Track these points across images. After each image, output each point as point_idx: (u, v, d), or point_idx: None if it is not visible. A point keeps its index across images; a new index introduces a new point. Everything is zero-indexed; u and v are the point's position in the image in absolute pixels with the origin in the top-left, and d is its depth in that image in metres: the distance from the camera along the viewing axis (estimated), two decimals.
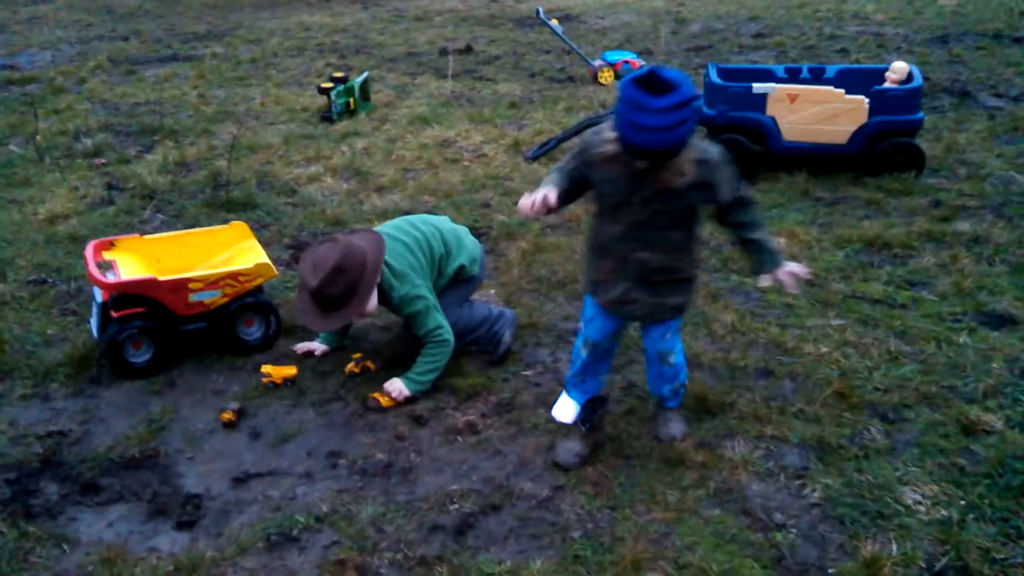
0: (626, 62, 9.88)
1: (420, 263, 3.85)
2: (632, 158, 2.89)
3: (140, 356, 3.99)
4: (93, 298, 4.20)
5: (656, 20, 13.86)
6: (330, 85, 8.34)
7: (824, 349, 4.09)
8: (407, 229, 3.94)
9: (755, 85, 6.19)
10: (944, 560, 2.85)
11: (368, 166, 6.90)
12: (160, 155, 7.19)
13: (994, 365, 3.94)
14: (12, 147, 7.50)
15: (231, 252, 4.43)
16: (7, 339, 4.29)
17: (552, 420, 3.62)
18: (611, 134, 2.95)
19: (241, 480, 3.34)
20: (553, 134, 7.36)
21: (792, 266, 3.11)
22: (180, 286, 3.99)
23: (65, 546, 3.01)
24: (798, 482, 3.25)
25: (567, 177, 3.21)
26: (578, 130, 7.00)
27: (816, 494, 3.18)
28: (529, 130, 7.80)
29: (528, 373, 4.01)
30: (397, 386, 3.76)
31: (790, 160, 6.32)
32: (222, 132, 7.89)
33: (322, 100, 8.60)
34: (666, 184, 2.95)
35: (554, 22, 10.28)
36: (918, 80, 6.21)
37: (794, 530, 3.02)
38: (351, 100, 8.40)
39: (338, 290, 3.59)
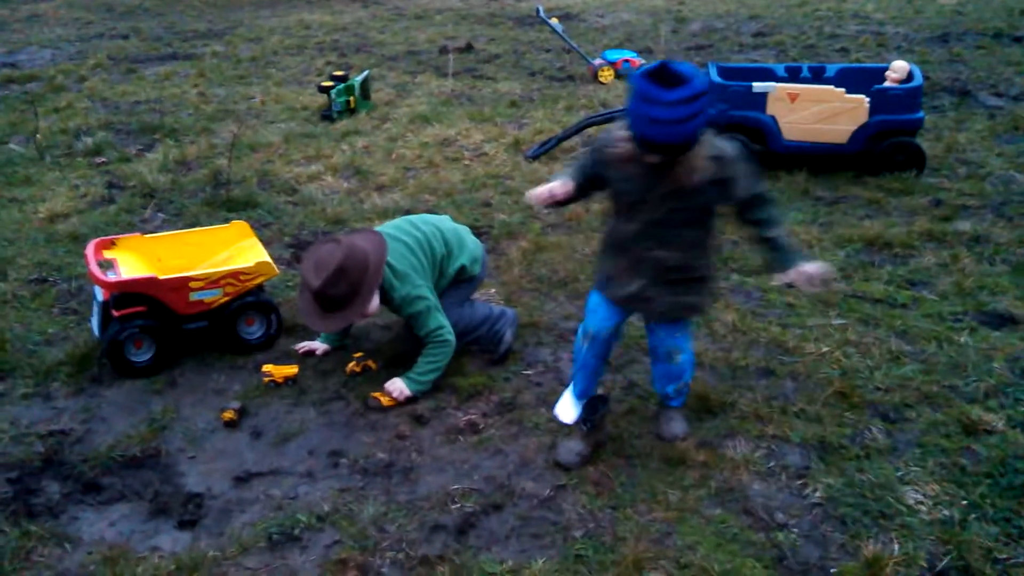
0: (626, 61, 9.88)
1: (421, 263, 3.84)
2: (645, 152, 2.88)
3: (141, 355, 3.99)
4: (94, 297, 4.20)
5: (656, 19, 13.86)
6: (330, 84, 8.34)
7: (825, 349, 4.09)
8: (408, 229, 3.94)
9: (755, 84, 6.19)
10: (946, 560, 2.85)
11: (368, 165, 6.90)
12: (160, 154, 7.19)
13: (995, 365, 3.94)
14: (12, 146, 7.50)
15: (232, 251, 4.43)
16: (8, 338, 4.28)
17: (554, 419, 3.63)
18: (623, 132, 2.95)
19: (243, 479, 3.34)
20: (553, 133, 7.37)
21: (808, 266, 3.05)
22: (181, 285, 3.99)
23: (67, 545, 3.01)
24: (799, 482, 3.25)
25: (581, 174, 3.21)
26: (578, 129, 7.00)
27: (817, 494, 3.18)
28: (529, 129, 7.80)
29: (529, 372, 4.01)
30: (398, 386, 3.76)
31: (790, 159, 6.32)
32: (222, 131, 7.89)
33: (322, 99, 8.60)
34: (682, 182, 2.95)
35: (554, 21, 10.28)
36: (918, 79, 6.21)
37: (795, 530, 3.02)
38: (351, 99, 8.40)
39: (340, 291, 3.59)
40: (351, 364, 4.01)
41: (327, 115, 8.28)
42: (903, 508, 3.08)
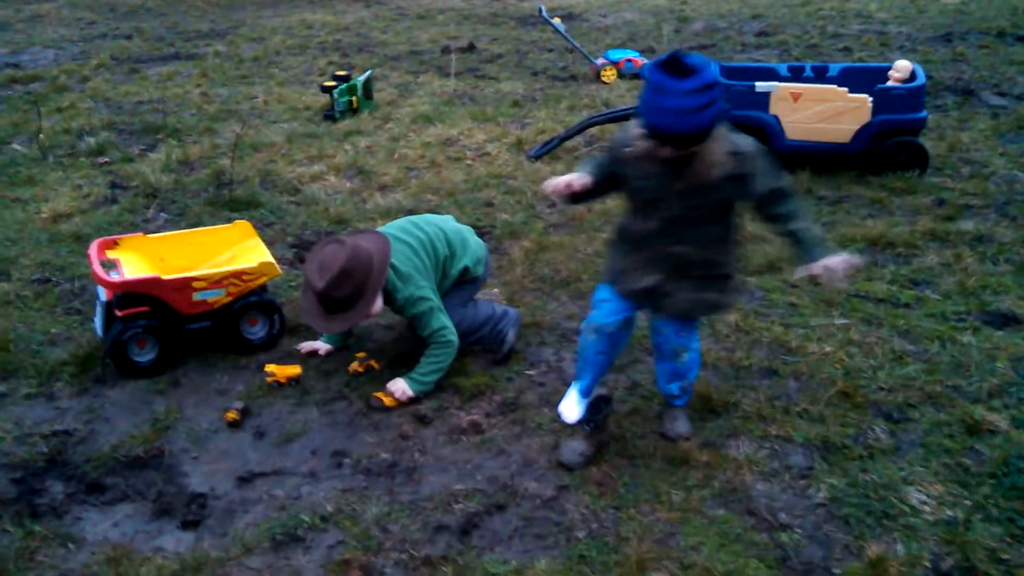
0: (629, 60, 9.87)
1: (424, 264, 3.84)
2: (659, 145, 2.88)
3: (144, 355, 4.00)
4: (97, 297, 4.20)
5: (659, 18, 13.85)
6: (333, 84, 8.34)
7: (828, 348, 4.09)
8: (411, 230, 3.94)
9: (758, 84, 6.18)
10: (950, 560, 2.85)
11: (371, 165, 6.90)
12: (163, 154, 7.19)
13: (998, 364, 3.93)
14: (15, 146, 7.51)
15: (235, 251, 4.43)
16: (11, 338, 4.29)
17: (557, 419, 3.62)
18: (639, 130, 2.94)
19: (246, 479, 3.35)
20: (556, 133, 7.36)
21: (831, 260, 2.97)
22: (184, 285, 3.99)
23: (71, 545, 3.02)
24: (803, 482, 3.25)
25: (598, 171, 3.19)
26: (581, 129, 7.00)
27: (821, 494, 3.17)
28: (532, 129, 7.80)
29: (532, 372, 4.01)
30: (400, 386, 3.76)
31: (793, 159, 6.31)
32: (225, 131, 7.89)
33: (325, 99, 8.60)
34: (699, 178, 2.94)
35: (556, 20, 10.27)
36: (921, 79, 6.21)
37: (799, 530, 3.02)
38: (354, 99, 8.40)
39: (344, 292, 3.59)
40: (354, 364, 4.01)
41: (330, 115, 8.28)
42: (907, 508, 3.08)
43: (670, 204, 3.06)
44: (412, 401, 3.77)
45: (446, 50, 11.55)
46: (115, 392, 3.92)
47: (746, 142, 3.02)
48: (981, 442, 3.42)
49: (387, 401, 3.74)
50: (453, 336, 3.82)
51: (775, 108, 6.18)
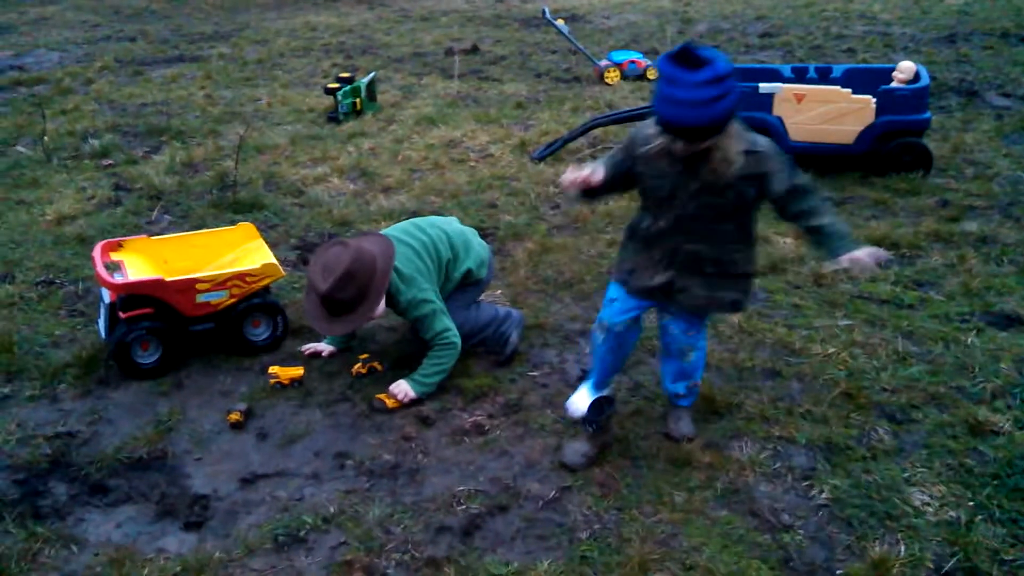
0: (632, 62, 9.87)
1: (427, 267, 3.84)
2: (671, 139, 2.87)
3: (148, 357, 4.00)
4: (101, 299, 4.21)
5: (662, 20, 13.85)
6: (336, 86, 8.36)
7: (831, 350, 4.08)
8: (414, 232, 3.94)
9: (761, 85, 6.18)
10: (952, 561, 2.84)
11: (375, 167, 6.91)
12: (167, 156, 7.21)
13: (1002, 365, 3.92)
14: (20, 148, 7.53)
15: (238, 253, 4.43)
16: (15, 340, 4.29)
17: (560, 420, 3.63)
18: (655, 128, 2.93)
19: (248, 481, 3.35)
20: (559, 134, 7.36)
21: (858, 253, 2.92)
22: (187, 287, 4.00)
23: (73, 547, 3.02)
24: (805, 483, 3.24)
25: (612, 167, 3.17)
26: (584, 130, 7.00)
27: (824, 495, 3.17)
28: (535, 130, 7.80)
29: (535, 374, 4.01)
30: (403, 388, 3.76)
31: (797, 160, 6.22)
32: (229, 133, 7.91)
33: (328, 101, 8.62)
34: (714, 176, 2.93)
35: (560, 22, 10.29)
36: (925, 80, 6.20)
37: (802, 531, 3.01)
38: (357, 100, 8.41)
39: (348, 295, 3.59)
40: (357, 366, 4.01)
41: (333, 117, 8.29)
42: (909, 509, 3.08)
43: (684, 202, 3.05)
44: (415, 402, 3.77)
45: (450, 52, 11.56)
46: (118, 394, 3.92)
47: (762, 141, 3.00)
48: (984, 443, 3.41)
49: (389, 403, 3.75)
50: (456, 338, 3.82)
51: (779, 109, 6.17)
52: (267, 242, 4.53)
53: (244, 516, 3.16)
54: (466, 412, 3.73)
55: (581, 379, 3.95)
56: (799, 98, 6.14)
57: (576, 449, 3.38)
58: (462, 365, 3.97)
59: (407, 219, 4.27)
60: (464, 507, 3.16)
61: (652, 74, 9.86)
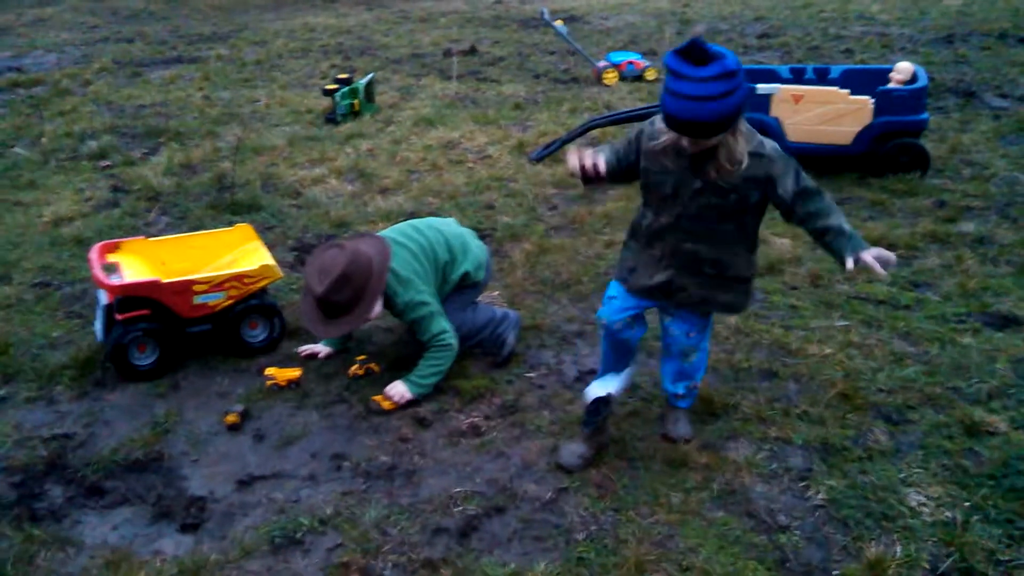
0: (630, 63, 9.89)
1: (424, 269, 3.85)
2: (676, 135, 2.86)
3: (145, 359, 4.00)
4: (98, 300, 4.21)
5: (661, 21, 13.86)
6: (335, 87, 8.36)
7: (828, 350, 4.08)
8: (412, 234, 3.94)
9: (759, 86, 6.18)
10: (948, 562, 2.84)
11: (372, 168, 6.91)
12: (165, 157, 7.21)
13: (998, 366, 3.93)
14: (17, 149, 7.53)
15: (235, 254, 4.43)
16: (12, 342, 4.30)
17: (556, 422, 3.63)
18: (663, 124, 2.92)
19: (245, 483, 3.34)
20: (557, 135, 7.36)
21: (866, 255, 2.86)
22: (184, 288, 4.00)
23: (70, 549, 3.02)
24: (802, 484, 3.24)
25: (617, 159, 3.16)
26: (583, 131, 7.00)
27: (820, 496, 3.17)
28: (533, 131, 7.81)
29: (532, 375, 4.01)
30: (399, 389, 3.76)
31: None
32: (227, 134, 7.91)
33: (327, 102, 8.62)
34: (719, 176, 2.92)
35: (558, 23, 10.29)
36: (923, 80, 6.21)
37: (798, 532, 3.01)
38: (356, 102, 8.42)
39: (344, 297, 3.59)
40: (354, 367, 4.01)
41: (331, 118, 8.29)
42: (905, 510, 3.08)
43: (686, 201, 3.04)
44: (411, 404, 3.77)
45: (448, 53, 11.57)
46: (115, 395, 3.92)
47: (770, 145, 2.99)
48: (980, 444, 3.41)
49: (386, 404, 3.75)
50: (453, 340, 3.83)
51: (776, 110, 6.18)
52: (265, 243, 4.53)
53: (241, 518, 3.16)
54: (463, 413, 3.73)
55: (578, 380, 3.96)
56: (797, 99, 6.14)
57: (573, 450, 3.38)
58: (459, 366, 3.97)
59: (405, 220, 4.27)
60: (461, 508, 3.16)
61: (650, 75, 9.86)
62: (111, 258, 4.22)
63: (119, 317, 3.94)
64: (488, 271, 4.18)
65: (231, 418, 3.68)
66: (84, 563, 2.95)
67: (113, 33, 14.01)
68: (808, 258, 4.99)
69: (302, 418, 3.74)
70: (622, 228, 5.48)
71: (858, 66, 7.16)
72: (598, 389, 3.47)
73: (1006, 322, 4.31)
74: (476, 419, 3.68)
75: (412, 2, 17.47)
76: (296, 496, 3.26)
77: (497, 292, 4.77)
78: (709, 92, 2.70)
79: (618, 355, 3.48)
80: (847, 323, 4.34)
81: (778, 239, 5.25)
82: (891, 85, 6.35)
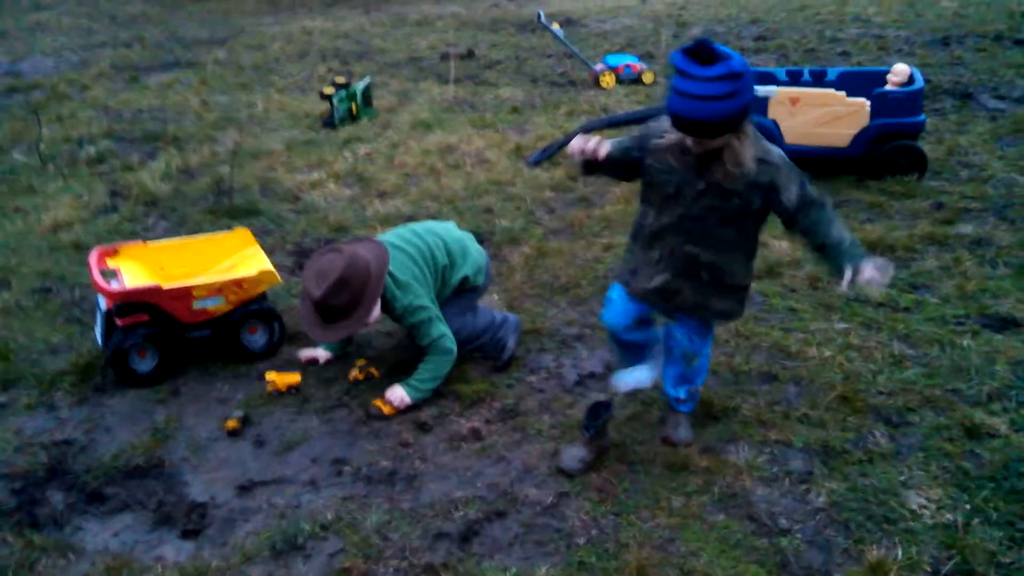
0: (628, 66, 9.89)
1: (423, 273, 3.85)
2: (679, 133, 2.86)
3: (144, 364, 4.00)
4: (97, 306, 4.21)
5: (657, 24, 13.87)
6: (332, 91, 8.36)
7: (828, 353, 4.09)
8: (410, 238, 3.94)
9: (756, 88, 6.18)
10: (949, 564, 2.84)
11: (370, 172, 6.91)
12: (163, 162, 7.20)
13: (998, 368, 3.93)
14: (15, 155, 7.52)
15: (234, 259, 4.44)
16: (12, 348, 4.29)
17: (556, 426, 3.63)
18: (669, 123, 2.93)
19: (246, 488, 3.34)
20: (555, 139, 7.37)
21: (865, 270, 2.86)
22: (184, 293, 4.00)
23: (71, 555, 3.01)
24: (803, 487, 3.25)
25: (620, 152, 3.13)
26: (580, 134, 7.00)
27: (821, 499, 3.17)
28: (531, 135, 7.81)
29: (532, 379, 4.01)
30: (398, 394, 3.76)
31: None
32: (225, 138, 7.91)
33: (324, 106, 8.62)
34: (722, 178, 2.92)
35: (555, 26, 10.30)
36: (919, 82, 6.21)
37: (799, 535, 3.01)
38: (353, 106, 8.42)
39: (341, 301, 3.59)
40: (354, 372, 4.01)
41: (329, 122, 8.29)
42: (906, 512, 3.08)
43: (688, 202, 3.04)
44: (412, 408, 3.77)
45: (445, 57, 11.58)
46: (115, 401, 3.92)
47: (777, 153, 2.98)
48: (980, 446, 3.41)
49: (386, 409, 3.75)
50: (452, 344, 3.83)
51: (773, 112, 6.19)
52: (263, 248, 4.53)
53: (242, 524, 3.16)
54: (463, 418, 3.74)
55: (578, 383, 3.96)
56: (794, 101, 6.15)
57: (573, 454, 3.38)
58: (459, 371, 3.97)
59: (403, 224, 4.27)
60: (462, 513, 3.16)
61: (647, 78, 9.87)
62: (110, 263, 4.22)
63: (119, 323, 3.94)
64: (487, 275, 4.18)
65: (231, 423, 3.68)
66: (85, 569, 2.95)
67: (111, 38, 14.01)
68: (807, 261, 4.99)
69: (302, 423, 3.74)
70: (621, 231, 5.51)
71: (855, 68, 7.17)
72: (628, 380, 3.54)
73: (1005, 324, 4.31)
74: (476, 423, 3.68)
75: (409, 6, 17.48)
76: (297, 501, 3.26)
77: (496, 296, 4.77)
78: (714, 92, 2.70)
79: (628, 352, 3.52)
80: (846, 326, 4.35)
81: (777, 242, 5.25)
82: (888, 87, 6.36)
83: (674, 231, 3.12)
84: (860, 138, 6.13)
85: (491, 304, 4.62)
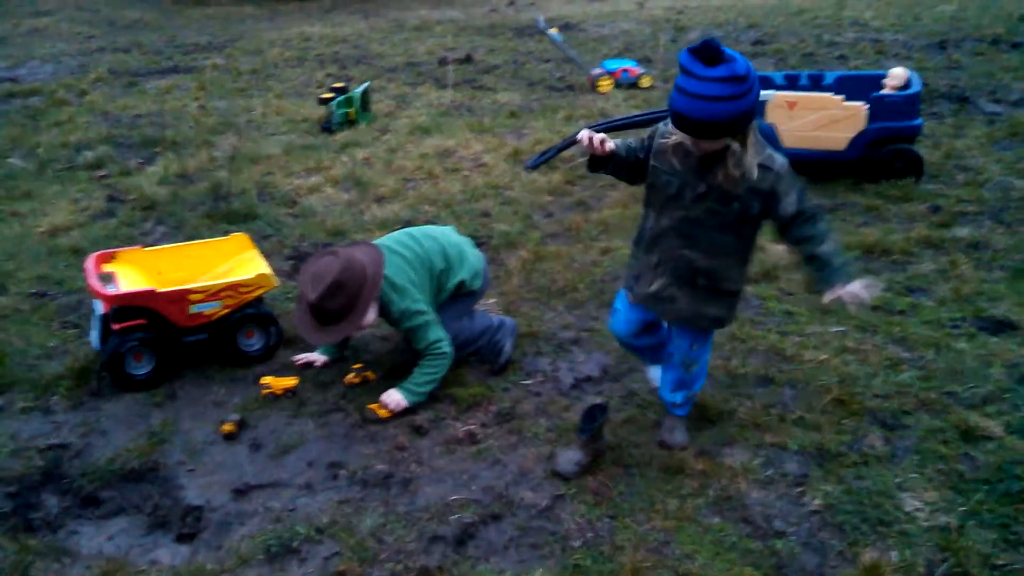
0: (625, 70, 9.90)
1: (420, 277, 3.85)
2: (678, 131, 2.87)
3: (141, 368, 4.00)
4: (94, 310, 4.21)
5: (655, 28, 13.90)
6: (330, 95, 8.38)
7: (823, 356, 4.09)
8: (407, 243, 3.95)
9: None
10: (944, 566, 2.84)
11: (368, 176, 6.92)
12: (161, 167, 7.21)
13: (993, 371, 3.93)
14: (13, 160, 7.53)
15: (232, 263, 4.44)
16: (8, 352, 4.29)
17: (552, 429, 3.64)
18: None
19: (242, 492, 3.34)
20: (553, 143, 7.38)
21: (851, 287, 2.92)
22: (180, 298, 4.00)
23: (66, 559, 3.01)
24: (798, 489, 3.25)
25: (626, 149, 3.13)
26: (577, 139, 7.01)
27: (816, 501, 3.17)
28: (529, 139, 7.82)
29: (528, 382, 4.02)
30: (394, 397, 3.76)
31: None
32: (223, 143, 7.92)
33: (322, 110, 8.63)
34: (723, 182, 2.93)
35: (553, 31, 10.32)
36: (916, 86, 6.22)
37: (794, 538, 3.01)
38: (351, 110, 8.43)
39: (336, 304, 3.59)
40: (350, 375, 4.01)
41: (327, 127, 8.30)
42: (901, 515, 3.08)
43: (689, 204, 3.05)
44: (408, 412, 3.77)
45: (443, 61, 11.60)
46: (111, 405, 3.92)
47: (779, 160, 2.99)
48: (975, 448, 3.42)
49: (382, 413, 3.75)
50: (448, 348, 3.83)
51: (771, 116, 6.20)
52: (261, 252, 4.53)
53: (237, 527, 3.16)
54: (459, 421, 3.74)
55: (574, 387, 3.97)
56: (791, 105, 6.16)
57: (569, 457, 3.38)
58: (455, 374, 3.97)
59: (401, 229, 4.27)
60: (457, 516, 3.16)
61: (645, 82, 9.88)
62: (107, 268, 4.22)
63: (115, 327, 3.93)
64: (485, 280, 4.18)
65: (227, 427, 3.68)
66: (80, 573, 2.95)
67: (109, 43, 14.03)
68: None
69: (298, 427, 3.74)
70: (618, 235, 5.53)
71: (852, 72, 7.18)
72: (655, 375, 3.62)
73: (1000, 327, 4.32)
74: (472, 427, 3.68)
75: (407, 11, 17.51)
76: (292, 505, 3.26)
77: (493, 300, 4.78)
78: (714, 92, 2.71)
79: (646, 355, 3.58)
80: (842, 329, 4.35)
81: (773, 245, 5.25)
82: (885, 91, 6.36)
83: (673, 234, 3.13)
84: (857, 142, 6.14)
85: (488, 308, 4.63)
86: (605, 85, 9.78)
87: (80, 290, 4.97)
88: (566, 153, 7.14)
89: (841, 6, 15.38)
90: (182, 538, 3.11)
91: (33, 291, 5.00)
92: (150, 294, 3.94)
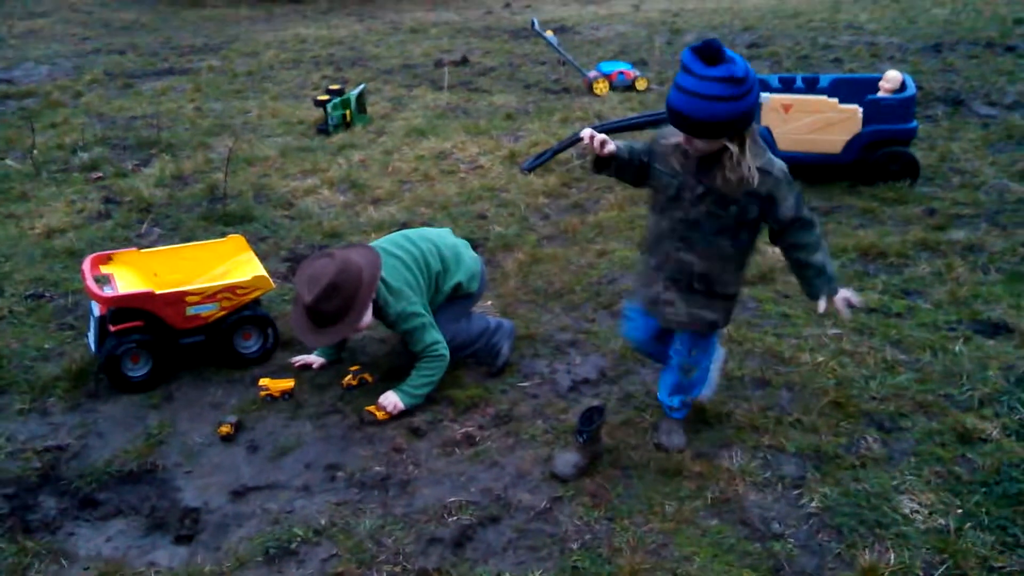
0: (621, 73, 9.91)
1: (416, 279, 3.85)
2: (675, 129, 2.89)
3: (138, 370, 3.99)
4: (90, 312, 4.20)
5: (651, 31, 13.92)
6: (326, 97, 8.38)
7: (820, 358, 4.10)
8: (404, 245, 3.95)
9: None
10: (941, 569, 2.85)
11: (364, 178, 6.92)
12: (157, 169, 7.21)
13: (990, 373, 3.94)
14: (9, 162, 7.51)
15: (228, 265, 4.44)
16: (5, 354, 4.29)
17: (550, 431, 3.64)
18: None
19: (239, 494, 3.34)
20: (549, 145, 7.38)
21: (837, 298, 3.06)
22: (177, 299, 4.00)
23: (64, 561, 3.01)
24: (795, 492, 3.25)
25: (628, 150, 3.14)
26: (573, 141, 7.02)
27: (813, 503, 3.18)
28: (525, 141, 7.82)
29: (526, 384, 4.02)
30: (391, 399, 3.76)
31: None
32: (219, 145, 7.91)
33: (318, 113, 8.63)
34: (722, 185, 2.94)
35: (549, 33, 10.33)
36: (911, 89, 6.24)
37: (792, 540, 3.02)
38: (347, 112, 8.43)
39: (332, 306, 3.59)
40: (347, 377, 4.01)
41: (323, 129, 8.30)
42: (899, 517, 3.09)
43: (687, 205, 3.06)
44: (405, 414, 3.77)
45: (439, 63, 11.60)
46: (108, 407, 3.91)
47: (778, 165, 3.00)
48: (973, 450, 3.42)
49: (379, 415, 3.75)
50: (445, 350, 3.83)
51: (766, 119, 6.21)
52: (257, 254, 4.54)
53: (235, 529, 3.15)
54: (457, 423, 3.74)
55: (572, 389, 3.97)
56: (786, 108, 6.17)
57: (567, 459, 3.38)
58: (453, 376, 3.97)
59: (397, 230, 4.27)
60: (455, 518, 3.16)
61: (641, 85, 9.89)
62: (103, 270, 4.22)
63: (112, 329, 3.93)
64: (482, 282, 4.18)
65: (225, 429, 3.67)
66: (78, 575, 2.94)
67: (105, 45, 14.00)
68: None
69: (296, 429, 3.74)
70: (614, 238, 5.54)
71: (847, 75, 7.21)
72: None
73: (997, 329, 4.33)
74: (470, 429, 3.68)
75: (403, 13, 17.51)
76: (290, 507, 3.26)
77: (490, 301, 4.78)
78: (710, 92, 2.72)
79: (665, 360, 3.55)
80: (839, 331, 4.36)
81: (769, 247, 5.25)
82: (880, 94, 6.39)
83: (671, 236, 3.14)
84: (852, 144, 6.15)
85: (485, 310, 4.63)
86: (601, 88, 9.79)
87: (76, 292, 4.96)
88: (562, 155, 7.14)
89: (836, 9, 15.43)
90: (180, 540, 3.10)
91: (29, 293, 4.99)
92: (147, 296, 3.94)
